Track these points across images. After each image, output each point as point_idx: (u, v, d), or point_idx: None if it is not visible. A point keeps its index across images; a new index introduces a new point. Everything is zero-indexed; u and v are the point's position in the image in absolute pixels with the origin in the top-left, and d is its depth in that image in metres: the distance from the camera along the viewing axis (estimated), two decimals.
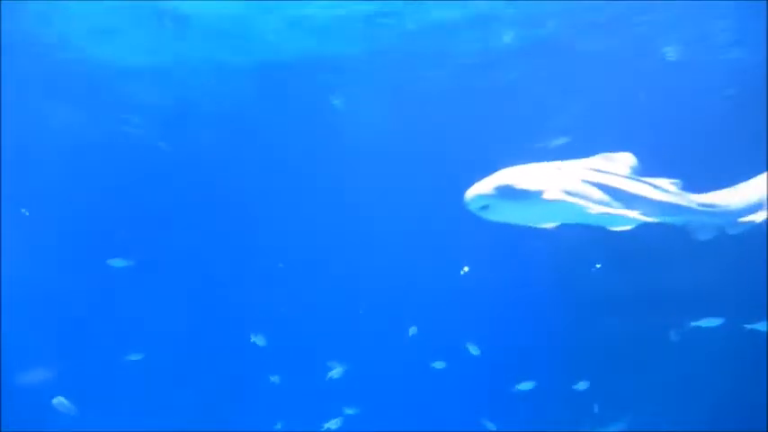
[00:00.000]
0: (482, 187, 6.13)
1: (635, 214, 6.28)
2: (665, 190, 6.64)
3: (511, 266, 13.46)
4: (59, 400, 11.52)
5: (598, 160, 6.56)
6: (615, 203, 6.35)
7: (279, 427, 13.73)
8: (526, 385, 12.07)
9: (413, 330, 13.03)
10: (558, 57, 11.34)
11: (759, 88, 11.49)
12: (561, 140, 11.42)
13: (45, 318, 13.69)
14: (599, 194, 6.35)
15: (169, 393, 13.71)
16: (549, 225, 6.62)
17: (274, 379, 13.85)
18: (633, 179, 6.53)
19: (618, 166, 6.56)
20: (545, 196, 6.15)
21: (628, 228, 6.54)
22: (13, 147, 12.86)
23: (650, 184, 6.60)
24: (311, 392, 13.77)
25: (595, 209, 6.21)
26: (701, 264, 11.96)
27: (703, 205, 6.76)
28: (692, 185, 6.72)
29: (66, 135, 13.47)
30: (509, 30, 10.87)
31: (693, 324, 11.01)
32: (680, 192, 6.70)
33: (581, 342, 13.05)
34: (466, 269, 14.09)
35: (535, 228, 6.61)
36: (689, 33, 10.99)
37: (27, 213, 13.87)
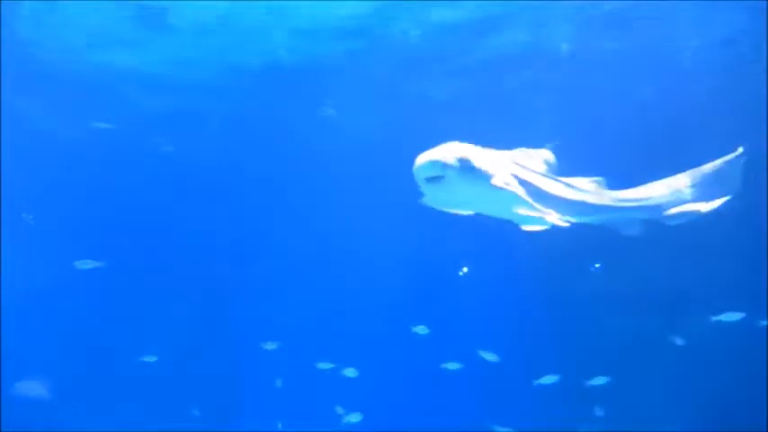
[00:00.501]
0: (442, 155, 5.72)
1: (556, 217, 6.11)
2: (583, 190, 6.54)
3: (511, 267, 13.48)
4: (28, 385, 11.35)
5: (518, 154, 6.37)
6: (548, 202, 6.17)
7: (279, 427, 13.75)
8: (549, 379, 11.82)
9: (422, 330, 12.83)
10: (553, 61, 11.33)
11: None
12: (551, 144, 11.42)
13: (46, 319, 13.78)
14: (538, 192, 6.23)
15: (172, 394, 13.76)
16: (467, 212, 6.35)
17: (278, 382, 13.88)
18: (555, 179, 6.42)
19: (536, 162, 6.43)
20: (494, 182, 5.92)
21: (543, 228, 6.33)
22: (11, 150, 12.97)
23: (567, 183, 6.48)
24: (312, 395, 13.81)
25: (535, 206, 6.04)
26: (700, 262, 12.03)
27: (624, 201, 6.65)
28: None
29: (70, 137, 13.57)
30: (507, 33, 10.85)
31: (715, 319, 10.85)
32: (599, 190, 6.60)
33: (580, 342, 13.06)
34: (465, 270, 14.13)
35: (460, 215, 6.32)
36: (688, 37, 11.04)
37: (31, 220, 13.93)
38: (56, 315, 13.80)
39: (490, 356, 12.17)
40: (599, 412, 12.17)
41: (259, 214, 14.47)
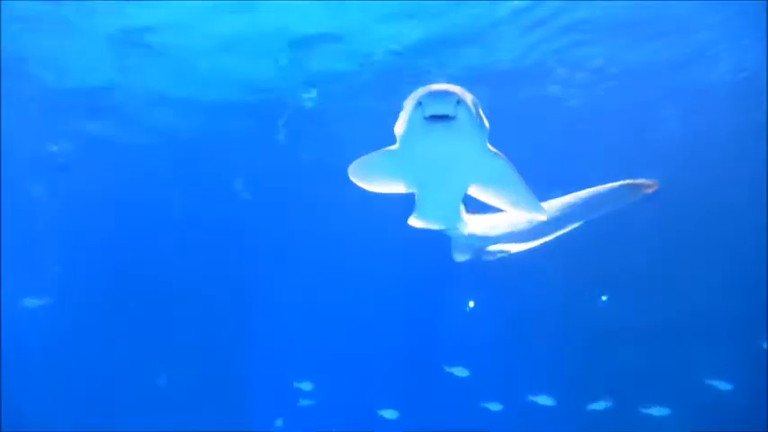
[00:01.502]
0: (456, 89, 4.18)
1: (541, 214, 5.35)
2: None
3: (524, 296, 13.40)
4: None
5: None
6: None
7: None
8: (602, 404, 11.55)
9: (462, 372, 12.46)
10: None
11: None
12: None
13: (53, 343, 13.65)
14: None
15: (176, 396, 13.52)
16: (408, 190, 5.18)
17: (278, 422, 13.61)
18: None
19: None
20: (489, 146, 4.73)
21: (433, 227, 5.76)
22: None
23: None
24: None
25: (524, 185, 5.02)
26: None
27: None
28: None
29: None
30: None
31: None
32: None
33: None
34: (471, 304, 14.03)
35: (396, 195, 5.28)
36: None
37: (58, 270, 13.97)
38: (62, 336, 13.67)
39: (545, 400, 11.68)
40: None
41: (281, 236, 14.46)
